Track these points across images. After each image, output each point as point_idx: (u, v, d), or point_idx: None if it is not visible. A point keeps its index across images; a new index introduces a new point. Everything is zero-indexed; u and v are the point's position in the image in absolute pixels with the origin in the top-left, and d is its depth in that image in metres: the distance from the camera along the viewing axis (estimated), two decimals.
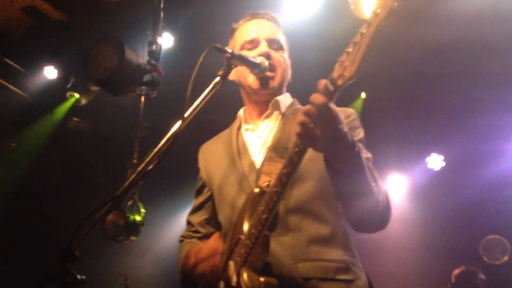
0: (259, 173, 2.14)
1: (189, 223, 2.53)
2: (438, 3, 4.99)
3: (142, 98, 4.79)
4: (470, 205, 7.02)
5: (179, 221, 8.30)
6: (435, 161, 7.48)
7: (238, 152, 2.32)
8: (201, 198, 2.50)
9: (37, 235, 6.67)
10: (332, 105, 1.64)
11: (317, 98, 1.63)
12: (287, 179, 1.78)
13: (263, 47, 2.31)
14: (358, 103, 6.60)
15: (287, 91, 2.48)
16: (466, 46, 5.44)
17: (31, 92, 6.62)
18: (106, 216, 1.63)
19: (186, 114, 1.84)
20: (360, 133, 2.21)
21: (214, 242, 2.09)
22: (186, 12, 5.46)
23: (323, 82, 1.66)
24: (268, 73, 2.27)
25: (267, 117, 2.36)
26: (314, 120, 1.63)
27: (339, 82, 1.60)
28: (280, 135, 2.18)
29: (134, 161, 4.70)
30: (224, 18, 5.29)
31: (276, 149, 2.11)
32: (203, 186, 2.51)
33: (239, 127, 2.44)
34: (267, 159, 2.11)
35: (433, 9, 5.02)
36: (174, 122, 1.84)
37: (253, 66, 2.13)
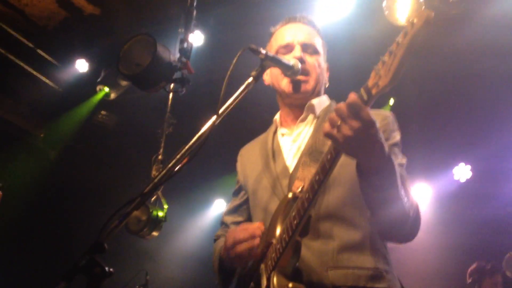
0: (292, 177, 2.12)
1: (223, 223, 2.55)
2: (470, 7, 4.92)
3: (170, 95, 4.82)
4: (495, 218, 6.90)
5: (202, 218, 8.35)
6: (462, 171, 7.36)
7: (273, 156, 2.32)
8: (237, 201, 2.52)
9: (64, 227, 6.77)
10: (366, 107, 1.61)
11: (349, 97, 1.62)
12: (318, 186, 1.77)
13: (297, 52, 2.30)
14: (386, 109, 6.53)
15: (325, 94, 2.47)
16: (501, 53, 5.35)
17: (62, 84, 6.72)
18: (134, 211, 1.64)
19: (220, 111, 1.84)
20: (396, 136, 2.18)
21: (255, 225, 2.06)
22: (218, 11, 5.49)
23: (353, 95, 1.62)
24: (301, 77, 2.26)
25: (302, 121, 2.35)
26: (344, 117, 1.61)
27: (374, 91, 1.59)
28: (314, 138, 2.17)
29: (160, 157, 4.73)
30: (255, 19, 5.34)
31: (310, 153, 2.09)
32: (239, 189, 2.52)
33: (275, 131, 2.44)
34: (301, 164, 2.09)
35: (464, 13, 4.94)
36: (203, 120, 1.85)
37: (286, 68, 2.13)
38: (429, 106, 6.07)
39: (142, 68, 4.17)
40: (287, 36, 2.38)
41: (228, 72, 1.82)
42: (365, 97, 1.61)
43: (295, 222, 1.84)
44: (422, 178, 7.50)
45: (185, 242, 7.92)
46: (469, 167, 7.30)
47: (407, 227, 1.92)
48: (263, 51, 1.98)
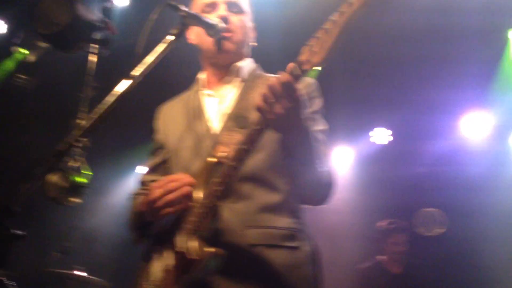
0: (216, 141, 2.13)
1: (141, 183, 2.49)
2: None
3: (92, 57, 4.64)
4: (411, 179, 7.24)
5: (124, 185, 8.23)
6: (382, 135, 7.64)
7: (197, 116, 2.30)
8: (156, 159, 2.47)
9: None
10: (298, 87, 1.69)
11: (284, 75, 1.67)
12: (244, 156, 1.82)
13: (221, 10, 2.28)
14: (313, 74, 6.61)
15: (252, 56, 2.47)
16: (419, 24, 5.52)
17: None
18: (48, 173, 1.58)
19: (136, 73, 1.78)
20: (318, 103, 2.26)
21: (181, 176, 2.06)
22: None
23: (287, 75, 1.68)
24: (225, 36, 2.24)
25: (228, 83, 2.34)
26: (277, 95, 1.67)
27: (306, 66, 1.64)
28: (240, 103, 2.19)
29: (80, 121, 4.56)
30: None
31: (235, 118, 2.12)
32: (159, 148, 2.47)
33: (198, 90, 2.41)
34: (226, 128, 2.12)
35: None
36: (124, 80, 1.80)
37: (208, 27, 2.09)
38: (350, 71, 6.19)
39: (60, 28, 4.00)
40: None
41: (146, 30, 1.77)
42: (297, 71, 1.67)
43: (218, 188, 1.88)
44: (343, 141, 7.74)
45: (108, 208, 7.80)
46: (389, 132, 7.59)
47: (322, 192, 2.09)
48: (184, 9, 1.93)
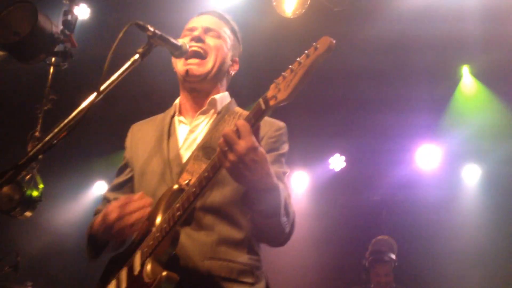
0: (182, 169, 2.14)
1: (105, 199, 2.47)
2: (353, 5, 5.20)
3: (51, 69, 4.57)
4: (365, 205, 7.38)
5: (81, 200, 8.07)
6: (337, 161, 7.77)
7: (167, 141, 2.31)
8: (122, 178, 2.45)
9: None
10: (250, 135, 1.72)
11: (240, 122, 1.73)
12: (206, 182, 1.83)
13: (197, 32, 2.32)
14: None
15: (227, 89, 2.50)
16: (374, 45, 5.71)
17: None
18: (2, 187, 1.55)
19: (101, 88, 1.79)
20: (285, 148, 2.30)
21: (141, 197, 2.05)
22: None
23: (241, 122, 1.75)
24: (193, 60, 2.28)
25: (203, 113, 2.35)
26: (230, 144, 1.72)
27: (271, 102, 1.70)
28: (211, 135, 2.19)
29: (37, 133, 4.48)
30: None
31: (204, 148, 2.12)
32: (126, 166, 2.46)
33: (173, 116, 2.41)
34: (193, 158, 2.12)
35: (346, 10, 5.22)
36: (85, 96, 1.79)
37: (173, 48, 2.11)
38: (308, 97, 6.31)
39: (20, 37, 3.94)
40: (194, 22, 2.41)
41: (112, 48, 1.77)
42: (263, 107, 1.72)
43: (178, 213, 1.88)
44: (300, 167, 7.83)
45: (63, 224, 7.62)
46: (343, 157, 7.73)
47: (282, 239, 2.10)
48: (151, 28, 1.95)
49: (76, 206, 7.95)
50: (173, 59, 2.39)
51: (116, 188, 2.46)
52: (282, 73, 1.69)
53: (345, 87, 6.39)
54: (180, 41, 2.13)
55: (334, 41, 1.60)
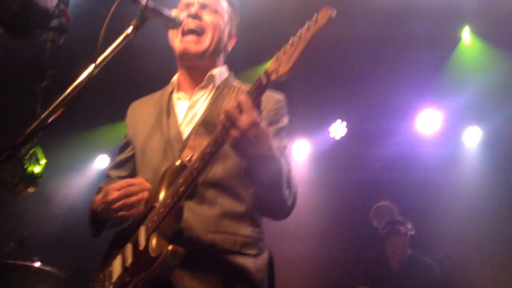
0: (184, 145, 2.15)
1: (108, 176, 2.50)
2: None
3: (48, 44, 4.54)
4: (367, 172, 7.39)
5: (84, 174, 8.11)
6: (338, 129, 7.74)
7: (167, 118, 2.31)
8: (123, 155, 2.48)
9: None
10: (252, 110, 1.71)
11: (241, 99, 1.72)
12: (209, 158, 1.83)
13: (193, 8, 2.29)
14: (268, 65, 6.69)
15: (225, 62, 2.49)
16: (373, 10, 5.66)
17: None
18: (3, 165, 1.56)
19: (98, 61, 1.78)
20: (284, 120, 2.31)
21: (141, 182, 2.08)
22: None
23: (242, 97, 1.73)
24: (191, 36, 2.26)
25: (201, 88, 2.35)
26: (232, 119, 1.71)
27: (273, 77, 1.68)
28: (211, 110, 2.20)
29: (38, 111, 4.46)
30: None
31: (205, 124, 2.13)
32: (127, 144, 2.48)
33: (171, 93, 2.41)
34: (194, 133, 2.12)
35: None
36: (82, 70, 1.79)
37: (167, 20, 2.07)
38: (308, 65, 6.29)
39: (14, 12, 3.89)
40: None
41: (106, 21, 1.76)
42: (264, 81, 1.71)
43: (181, 189, 1.89)
44: (300, 135, 7.83)
45: (66, 198, 7.66)
46: (344, 123, 7.70)
47: (284, 212, 2.10)
48: (143, 1, 1.93)
49: (79, 180, 7.99)
50: (170, 35, 2.38)
51: (118, 166, 2.49)
52: (283, 47, 1.68)
53: (345, 54, 6.34)
54: (173, 12, 2.10)
55: (334, 13, 1.56)
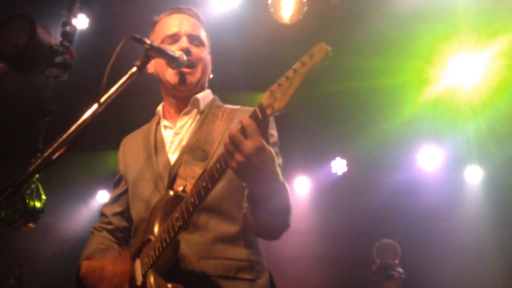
0: (175, 175, 2.13)
1: (102, 214, 2.49)
2: (350, 10, 5.22)
3: (52, 80, 4.60)
4: (369, 209, 7.36)
5: (84, 209, 8.08)
6: (339, 165, 7.74)
7: (155, 148, 2.31)
8: (117, 191, 2.47)
9: None
10: (257, 134, 1.66)
11: (246, 120, 1.66)
12: (205, 193, 1.79)
13: (183, 42, 2.30)
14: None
15: (209, 87, 2.49)
16: (370, 47, 5.72)
17: None
18: (7, 201, 1.56)
19: (101, 100, 1.80)
20: (274, 136, 2.26)
21: (123, 263, 2.05)
22: None
23: (247, 120, 1.67)
24: (186, 69, 2.26)
25: (186, 114, 2.34)
26: (236, 144, 1.66)
27: (268, 111, 1.63)
28: (197, 135, 2.19)
29: (40, 146, 4.50)
30: (141, 4, 5.24)
31: (192, 150, 2.11)
32: (120, 179, 2.48)
33: (158, 123, 2.42)
34: (184, 162, 2.10)
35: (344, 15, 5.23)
36: (85, 108, 1.80)
37: (171, 60, 2.11)
38: (307, 101, 6.32)
39: (18, 49, 3.95)
40: (173, 26, 2.36)
41: (110, 61, 1.78)
42: (260, 116, 1.66)
43: (178, 224, 1.86)
44: (301, 172, 7.83)
45: (66, 234, 7.63)
46: (344, 161, 7.71)
47: (278, 231, 2.05)
48: (148, 41, 1.95)
49: (79, 216, 7.97)
50: (156, 66, 2.38)
51: (112, 202, 2.48)
52: (277, 81, 1.63)
53: (344, 91, 6.39)
54: (177, 53, 2.13)
55: (330, 49, 1.53)
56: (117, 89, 1.88)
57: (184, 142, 2.25)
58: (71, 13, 3.98)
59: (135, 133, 2.55)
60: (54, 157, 1.70)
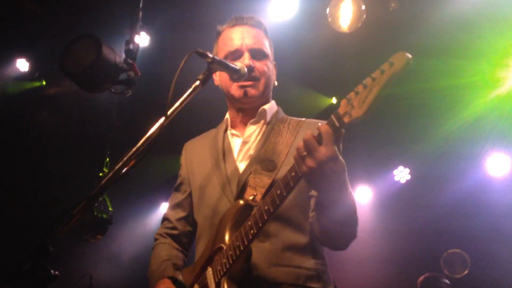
0: (243, 183, 2.16)
1: (166, 219, 2.54)
2: (408, 15, 5.12)
3: (117, 97, 4.76)
4: (434, 219, 7.15)
5: (148, 221, 8.25)
6: (402, 174, 7.58)
7: (223, 155, 2.35)
8: (180, 195, 2.51)
9: (2, 228, 6.55)
10: (331, 144, 1.66)
11: (323, 127, 1.68)
12: (280, 201, 1.82)
13: (246, 59, 2.32)
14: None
15: (272, 95, 2.52)
16: (440, 56, 5.59)
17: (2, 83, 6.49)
18: (81, 214, 1.62)
19: (168, 113, 1.84)
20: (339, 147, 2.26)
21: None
22: (164, 12, 5.47)
23: (325, 127, 1.69)
24: (248, 82, 2.30)
25: (253, 124, 2.38)
26: (310, 149, 1.67)
27: (346, 119, 1.64)
28: (265, 146, 2.22)
29: (107, 159, 4.66)
30: (201, 21, 5.35)
31: (261, 161, 2.15)
32: (182, 183, 2.52)
33: (226, 130, 2.46)
34: (253, 171, 2.13)
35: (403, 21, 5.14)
36: (149, 122, 1.85)
37: (233, 72, 2.14)
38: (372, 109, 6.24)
39: (85, 68, 4.11)
40: (235, 40, 2.38)
41: (175, 76, 1.82)
42: (337, 124, 1.67)
43: (251, 232, 1.88)
44: (363, 181, 7.71)
45: (131, 246, 7.81)
46: (407, 170, 7.54)
47: (348, 243, 2.04)
48: (210, 55, 1.99)
49: (143, 228, 8.14)
50: (220, 78, 2.43)
51: (175, 207, 2.52)
52: (354, 89, 1.63)
53: (407, 95, 6.25)
54: (238, 65, 2.16)
55: (411, 57, 1.53)
56: (181, 103, 1.92)
57: (251, 151, 2.29)
58: (134, 31, 4.10)
59: (200, 138, 2.59)
60: (123, 171, 1.75)
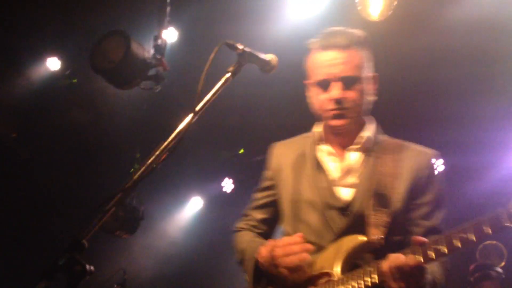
0: (367, 223, 2.10)
1: (248, 216, 2.51)
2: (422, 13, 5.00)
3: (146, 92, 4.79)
4: (470, 210, 7.02)
5: (179, 216, 8.31)
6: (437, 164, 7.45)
7: (317, 172, 2.27)
8: (265, 198, 2.46)
9: (40, 225, 6.68)
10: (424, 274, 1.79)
11: (415, 260, 1.77)
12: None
13: (334, 92, 2.17)
14: None
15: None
16: (467, 55, 5.47)
17: (34, 83, 6.60)
18: (115, 208, 1.62)
19: (197, 108, 1.83)
20: (435, 188, 2.32)
21: (302, 241, 2.06)
22: (191, 7, 5.47)
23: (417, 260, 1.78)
24: (336, 112, 2.19)
25: (354, 150, 2.27)
26: (402, 277, 1.78)
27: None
28: (371, 178, 2.17)
29: (137, 155, 4.69)
30: (228, 15, 5.33)
31: (376, 196, 2.12)
32: (269, 188, 2.46)
33: (316, 144, 2.35)
34: (372, 209, 2.10)
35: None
36: (180, 117, 1.83)
37: (263, 63, 2.09)
38: (401, 105, 6.14)
39: (115, 64, 4.15)
40: (322, 68, 2.22)
41: (205, 68, 1.80)
42: (432, 256, 1.79)
43: (372, 280, 1.90)
44: None
45: (163, 240, 7.88)
46: (441, 160, 7.41)
47: None
48: (240, 46, 1.96)
49: (174, 223, 8.20)
50: (311, 94, 2.31)
51: (259, 207, 2.48)
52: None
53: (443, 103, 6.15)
54: (268, 56, 2.09)
55: None
56: (211, 96, 1.89)
57: (356, 180, 2.20)
58: (162, 27, 4.12)
59: (289, 143, 2.49)
60: (154, 165, 1.74)
